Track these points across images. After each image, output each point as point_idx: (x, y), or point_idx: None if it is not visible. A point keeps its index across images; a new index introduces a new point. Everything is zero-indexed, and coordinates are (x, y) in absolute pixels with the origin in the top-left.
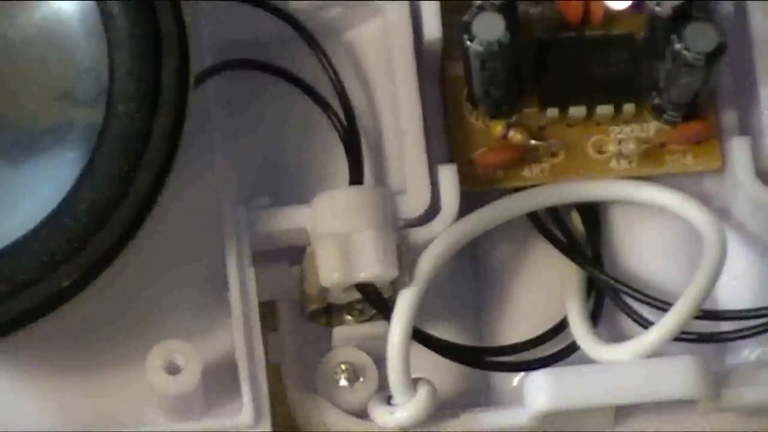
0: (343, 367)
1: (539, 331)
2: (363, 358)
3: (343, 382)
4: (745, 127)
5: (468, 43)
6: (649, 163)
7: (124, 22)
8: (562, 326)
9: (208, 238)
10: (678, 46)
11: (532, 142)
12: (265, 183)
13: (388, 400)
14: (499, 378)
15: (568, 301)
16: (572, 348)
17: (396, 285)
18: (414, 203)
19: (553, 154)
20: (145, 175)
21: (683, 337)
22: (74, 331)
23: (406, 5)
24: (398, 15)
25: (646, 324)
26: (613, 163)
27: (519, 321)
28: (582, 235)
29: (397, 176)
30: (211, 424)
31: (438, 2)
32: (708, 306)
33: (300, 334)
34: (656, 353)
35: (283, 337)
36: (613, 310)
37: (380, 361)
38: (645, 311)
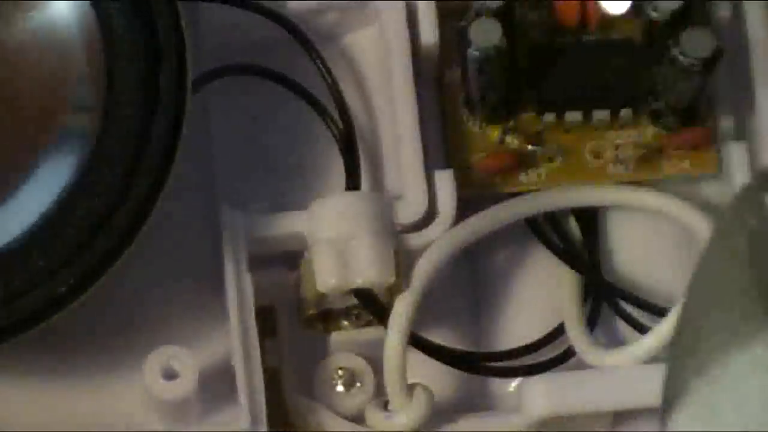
0: (340, 372)
1: (536, 337)
2: (360, 364)
3: (340, 388)
4: (742, 131)
5: (465, 48)
6: (646, 168)
7: (121, 26)
8: (559, 331)
9: (205, 243)
10: (675, 51)
11: (530, 147)
12: (263, 188)
13: (385, 405)
14: (497, 383)
15: (565, 307)
16: (569, 353)
17: (393, 290)
18: (411, 208)
19: (551, 160)
20: (142, 180)
21: None
22: (72, 336)
23: (402, 10)
24: (395, 20)
25: (643, 329)
26: (611, 169)
27: (516, 326)
28: (579, 241)
29: (394, 181)
30: (208, 429)
31: (435, 6)
32: None
33: (297, 339)
34: (653, 358)
35: (280, 342)
36: (611, 316)
37: (377, 367)
38: (642, 316)
